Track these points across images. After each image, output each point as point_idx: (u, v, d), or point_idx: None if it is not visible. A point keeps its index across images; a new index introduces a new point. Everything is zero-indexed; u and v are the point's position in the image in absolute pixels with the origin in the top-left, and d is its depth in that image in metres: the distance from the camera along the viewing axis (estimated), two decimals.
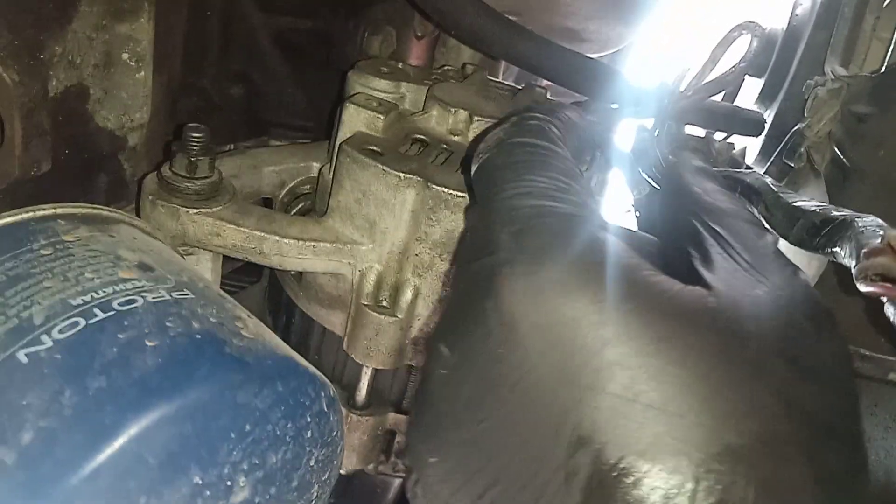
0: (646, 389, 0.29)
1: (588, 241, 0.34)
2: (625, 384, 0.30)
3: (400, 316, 0.54)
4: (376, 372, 0.57)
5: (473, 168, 0.41)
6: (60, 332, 0.36)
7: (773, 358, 0.31)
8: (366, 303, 0.54)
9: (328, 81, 0.77)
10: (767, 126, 0.74)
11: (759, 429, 0.29)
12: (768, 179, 0.50)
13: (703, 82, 0.68)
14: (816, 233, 0.44)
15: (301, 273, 0.60)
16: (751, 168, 0.61)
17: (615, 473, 0.29)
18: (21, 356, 0.35)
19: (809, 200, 0.46)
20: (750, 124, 0.65)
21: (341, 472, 0.63)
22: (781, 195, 0.48)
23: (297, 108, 0.83)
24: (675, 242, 0.38)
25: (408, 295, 0.54)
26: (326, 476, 0.44)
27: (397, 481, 0.97)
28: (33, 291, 0.38)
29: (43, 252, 0.41)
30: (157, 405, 0.34)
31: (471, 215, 0.40)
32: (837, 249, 0.42)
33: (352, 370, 0.58)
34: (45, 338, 0.36)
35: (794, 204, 0.47)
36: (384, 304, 0.55)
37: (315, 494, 0.44)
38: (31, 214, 0.43)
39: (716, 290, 0.33)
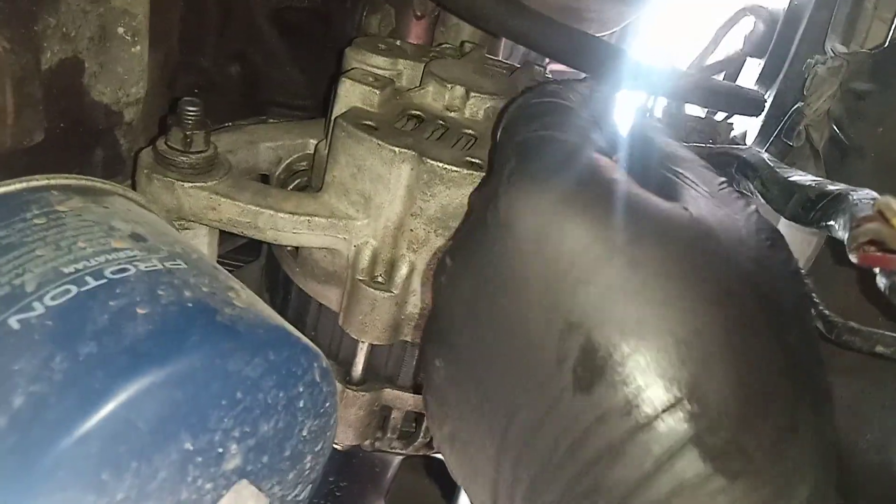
0: (631, 279, 0.33)
1: (582, 161, 0.37)
2: (612, 275, 0.33)
3: (395, 291, 0.54)
4: (372, 347, 0.57)
5: (500, 130, 0.45)
6: (52, 298, 0.36)
7: (740, 257, 0.34)
8: (361, 278, 0.54)
9: (326, 61, 0.77)
10: (767, 106, 0.74)
11: (733, 310, 0.32)
12: (765, 155, 0.49)
13: (706, 62, 0.68)
14: (811, 207, 0.44)
15: (297, 249, 0.60)
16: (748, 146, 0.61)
17: (603, 353, 0.32)
18: (13, 322, 0.35)
19: (805, 175, 0.46)
20: (750, 104, 0.65)
21: (337, 447, 0.63)
22: (777, 170, 0.48)
23: (296, 87, 0.83)
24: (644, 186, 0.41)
25: (403, 270, 0.54)
26: (320, 447, 0.44)
27: (396, 461, 0.98)
28: (25, 259, 0.38)
29: (36, 221, 0.41)
30: (147, 371, 0.34)
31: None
32: (832, 223, 0.42)
33: (348, 346, 0.59)
34: (36, 304, 0.36)
35: (790, 179, 0.47)
36: (379, 279, 0.55)
37: (308, 465, 0.44)
38: (24, 185, 0.43)
39: (688, 208, 0.36)
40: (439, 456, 1.02)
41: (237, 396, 0.37)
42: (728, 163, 0.50)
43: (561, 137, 0.39)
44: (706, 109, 0.71)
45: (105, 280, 0.38)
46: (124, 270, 0.39)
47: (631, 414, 0.31)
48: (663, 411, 0.31)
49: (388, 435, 0.63)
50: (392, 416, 0.61)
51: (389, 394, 0.60)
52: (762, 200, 0.49)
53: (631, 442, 0.31)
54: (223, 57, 0.77)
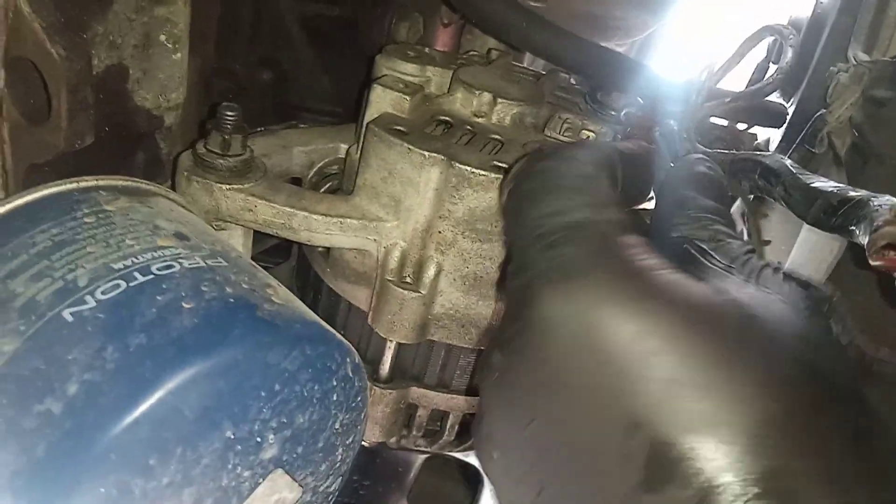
0: (688, 372, 0.32)
1: (612, 250, 0.37)
2: (668, 369, 0.33)
3: (423, 291, 0.55)
4: (399, 346, 0.59)
5: (506, 192, 0.45)
6: (103, 293, 0.38)
7: (788, 336, 0.34)
8: (390, 278, 0.56)
9: (355, 67, 0.79)
10: (790, 114, 0.75)
11: (795, 396, 0.32)
12: (787, 161, 0.50)
13: (728, 74, 0.68)
14: (833, 213, 0.45)
15: (328, 250, 0.62)
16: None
17: (672, 450, 0.31)
18: (67, 315, 0.37)
19: (827, 182, 0.47)
20: (772, 115, 0.66)
21: (364, 443, 0.65)
22: (800, 176, 0.49)
23: (325, 93, 0.85)
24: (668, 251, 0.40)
25: (431, 271, 0.56)
26: (351, 440, 0.46)
27: (418, 462, 1.00)
28: (77, 256, 0.40)
29: (86, 220, 0.43)
30: (193, 362, 0.36)
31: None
32: (853, 228, 0.43)
33: (376, 344, 0.60)
34: (88, 298, 0.38)
35: (812, 185, 0.47)
36: (408, 279, 0.56)
37: (339, 457, 0.46)
38: (74, 185, 0.45)
39: (720, 287, 0.36)
40: (461, 457, 1.03)
41: (275, 388, 0.39)
42: (751, 169, 0.51)
43: (582, 224, 0.39)
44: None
45: (152, 276, 0.40)
46: (170, 267, 0.41)
47: None
48: None
49: (414, 433, 0.64)
50: (418, 413, 0.63)
51: (416, 392, 0.62)
52: (784, 206, 0.49)
53: None
54: (255, 63, 0.80)
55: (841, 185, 0.45)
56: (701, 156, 0.47)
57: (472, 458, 1.03)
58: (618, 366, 0.34)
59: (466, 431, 0.66)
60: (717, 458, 0.31)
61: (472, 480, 1.01)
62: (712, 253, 0.39)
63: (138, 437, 0.34)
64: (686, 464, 0.31)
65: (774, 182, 0.50)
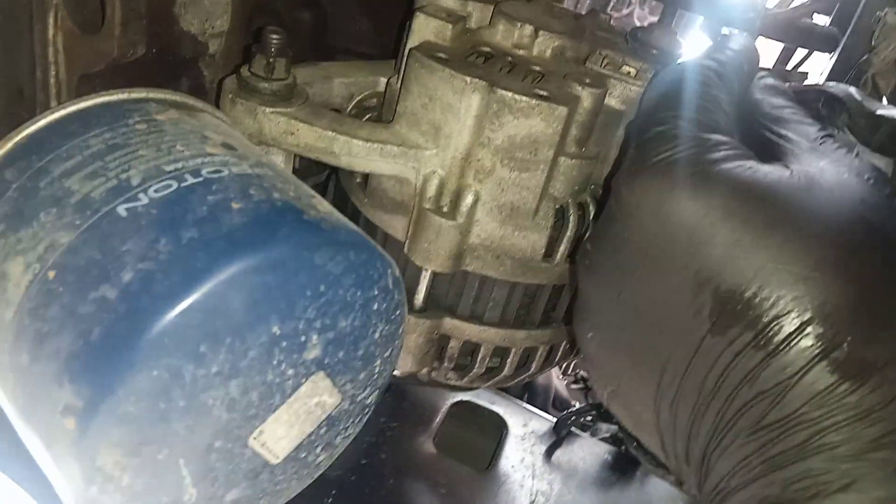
0: (746, 234, 0.36)
1: (690, 146, 0.41)
2: (728, 234, 0.37)
3: (460, 220, 0.56)
4: (434, 276, 0.60)
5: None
6: (155, 191, 0.40)
7: (845, 197, 0.38)
8: (427, 206, 0.56)
9: (394, 9, 0.79)
10: (833, 61, 0.74)
11: (845, 242, 0.36)
12: (852, 89, 0.51)
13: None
14: None
15: (366, 182, 0.62)
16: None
17: (732, 299, 0.36)
18: (121, 210, 0.39)
19: (892, 108, 0.48)
20: (824, 39, 0.65)
21: (396, 373, 0.66)
22: (865, 103, 0.49)
23: (364, 35, 0.85)
24: (751, 138, 0.44)
25: (468, 200, 0.56)
26: (388, 354, 0.47)
27: (445, 406, 1.01)
28: (130, 158, 0.42)
29: (138, 126, 0.44)
30: (243, 255, 0.37)
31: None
32: None
33: (411, 273, 0.61)
34: (141, 195, 0.39)
35: (878, 112, 0.48)
36: (445, 208, 0.57)
37: (377, 369, 0.47)
38: (126, 95, 0.46)
39: (790, 166, 0.40)
40: (486, 404, 1.04)
41: (320, 289, 0.40)
42: (814, 98, 0.51)
43: (670, 130, 0.42)
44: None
45: (202, 178, 0.41)
46: (219, 171, 0.42)
47: (763, 344, 0.35)
48: (792, 336, 0.35)
49: (445, 364, 0.65)
50: (450, 345, 0.64)
51: (448, 323, 0.62)
52: (849, 133, 0.50)
53: (766, 367, 0.35)
54: (296, 2, 0.80)
55: None
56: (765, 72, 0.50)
57: (497, 407, 1.04)
58: (686, 237, 0.38)
59: (496, 367, 0.67)
60: (769, 300, 0.35)
61: (495, 431, 1.03)
62: (792, 135, 0.42)
63: (191, 324, 0.35)
64: (743, 309, 0.36)
65: (839, 110, 0.50)
